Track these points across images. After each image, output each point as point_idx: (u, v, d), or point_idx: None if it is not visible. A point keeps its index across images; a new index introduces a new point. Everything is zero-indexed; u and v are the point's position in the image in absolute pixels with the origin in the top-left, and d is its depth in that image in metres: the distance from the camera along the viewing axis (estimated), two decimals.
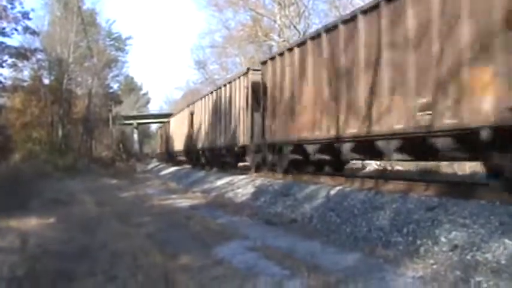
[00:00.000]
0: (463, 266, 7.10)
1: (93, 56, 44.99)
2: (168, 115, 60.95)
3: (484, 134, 8.91)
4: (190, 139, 35.72)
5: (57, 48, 39.68)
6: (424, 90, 10.44)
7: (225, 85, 26.80)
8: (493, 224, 7.69)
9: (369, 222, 10.18)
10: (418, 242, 8.40)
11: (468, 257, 7.24)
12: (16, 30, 27.69)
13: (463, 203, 8.86)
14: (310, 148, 16.06)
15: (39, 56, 35.30)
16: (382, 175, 13.37)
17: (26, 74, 37.87)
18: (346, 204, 11.59)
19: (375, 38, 12.29)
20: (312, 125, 15.61)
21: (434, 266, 7.39)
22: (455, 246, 7.65)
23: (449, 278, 6.89)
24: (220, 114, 27.15)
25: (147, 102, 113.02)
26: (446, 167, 19.54)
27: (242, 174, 21.54)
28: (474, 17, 9.13)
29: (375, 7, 12.25)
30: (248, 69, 23.13)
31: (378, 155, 13.00)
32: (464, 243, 7.59)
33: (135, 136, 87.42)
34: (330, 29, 14.73)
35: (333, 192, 12.93)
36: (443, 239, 8.01)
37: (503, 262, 6.85)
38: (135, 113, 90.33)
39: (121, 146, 58.39)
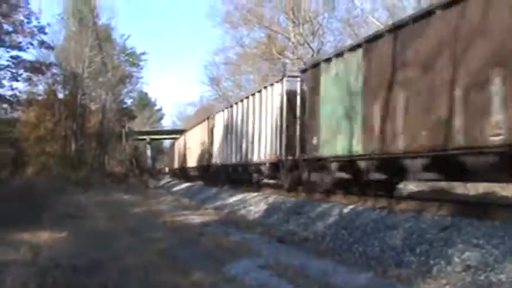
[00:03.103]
0: (476, 287, 7.05)
1: (108, 71, 45.19)
2: (181, 131, 60.93)
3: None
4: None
5: (72, 63, 39.84)
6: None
7: (201, 122, 38.51)
8: (507, 244, 7.64)
9: (381, 241, 10.14)
10: (431, 261, 8.36)
11: (481, 278, 7.19)
12: (32, 44, 27.91)
13: (476, 223, 8.82)
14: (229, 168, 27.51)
15: (54, 70, 35.44)
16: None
17: (41, 88, 38.01)
18: (358, 223, 11.55)
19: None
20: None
21: (447, 287, 7.35)
22: (469, 267, 7.60)
23: None
24: (200, 143, 37.57)
25: (161, 118, 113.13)
26: (459, 187, 19.42)
27: (255, 191, 21.54)
28: None
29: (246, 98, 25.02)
30: (208, 116, 34.80)
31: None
32: (478, 263, 7.54)
33: (148, 152, 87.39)
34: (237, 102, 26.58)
35: (345, 210, 12.90)
36: (456, 259, 7.96)
37: None
38: (148, 128, 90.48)
39: (134, 161, 58.42)
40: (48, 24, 30.61)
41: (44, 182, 25.05)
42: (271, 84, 21.07)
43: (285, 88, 19.17)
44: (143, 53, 64.22)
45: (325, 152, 15.32)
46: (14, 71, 27.00)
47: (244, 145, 24.39)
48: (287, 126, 18.76)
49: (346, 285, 7.70)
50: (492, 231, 8.25)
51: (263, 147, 21.28)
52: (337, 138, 14.59)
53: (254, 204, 18.69)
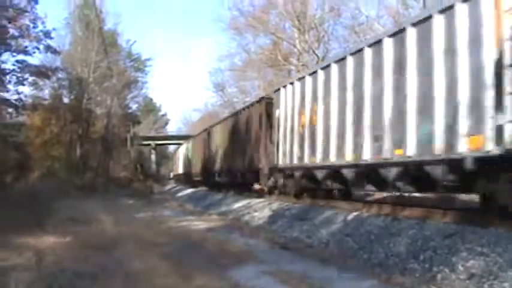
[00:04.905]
0: None
1: (113, 76, 45.13)
2: (186, 137, 61.02)
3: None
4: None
5: (77, 68, 39.91)
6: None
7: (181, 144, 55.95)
8: (511, 252, 7.62)
9: (385, 248, 10.13)
10: (435, 269, 8.34)
11: (485, 286, 7.18)
12: (38, 49, 27.74)
13: (480, 231, 8.80)
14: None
15: (60, 75, 35.48)
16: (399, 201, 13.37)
17: (46, 92, 38.10)
18: (363, 230, 11.54)
19: None
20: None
21: None
22: (473, 275, 7.58)
23: None
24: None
25: (166, 123, 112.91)
26: (464, 194, 19.32)
27: (259, 197, 21.53)
28: None
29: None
30: (183, 142, 53.17)
31: None
32: (482, 271, 7.53)
33: (153, 157, 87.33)
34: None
35: (349, 217, 12.89)
36: (460, 267, 7.95)
37: None
38: (153, 133, 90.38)
39: (138, 166, 58.40)
40: (54, 29, 30.41)
41: (48, 187, 25.03)
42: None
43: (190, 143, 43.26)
44: (148, 59, 64.40)
45: None
46: (19, 75, 26.94)
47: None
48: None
49: None
50: (496, 239, 8.24)
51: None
52: None
53: (258, 210, 18.67)
